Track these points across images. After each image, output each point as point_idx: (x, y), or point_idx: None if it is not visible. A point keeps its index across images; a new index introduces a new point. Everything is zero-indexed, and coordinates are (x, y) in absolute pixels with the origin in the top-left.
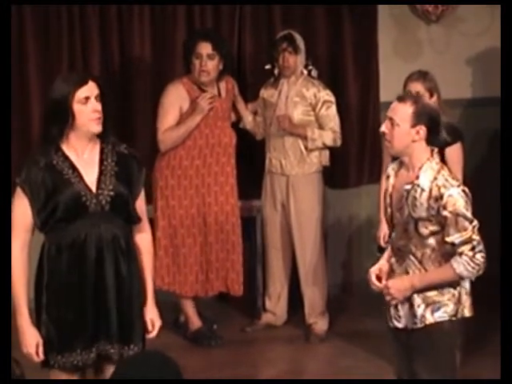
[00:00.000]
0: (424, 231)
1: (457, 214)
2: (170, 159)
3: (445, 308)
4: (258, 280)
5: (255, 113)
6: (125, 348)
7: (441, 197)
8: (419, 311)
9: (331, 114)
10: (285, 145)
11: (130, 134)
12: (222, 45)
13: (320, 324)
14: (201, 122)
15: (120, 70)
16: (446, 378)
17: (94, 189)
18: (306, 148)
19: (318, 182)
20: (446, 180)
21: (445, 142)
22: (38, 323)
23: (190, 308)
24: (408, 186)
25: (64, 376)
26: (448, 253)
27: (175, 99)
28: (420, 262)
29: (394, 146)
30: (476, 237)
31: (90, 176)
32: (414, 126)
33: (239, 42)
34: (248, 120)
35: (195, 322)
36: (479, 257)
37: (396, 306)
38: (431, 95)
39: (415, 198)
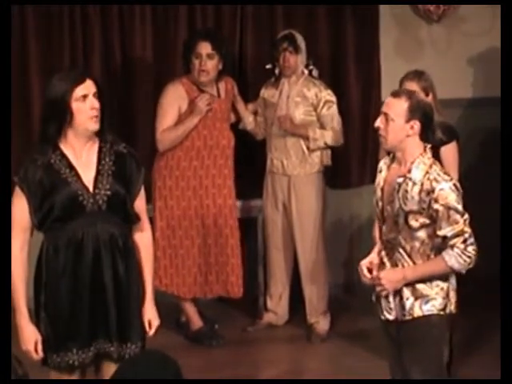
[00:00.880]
0: (414, 224)
1: (448, 208)
2: (167, 159)
3: (433, 302)
4: (260, 280)
5: (255, 113)
6: (123, 346)
7: (432, 190)
8: (408, 304)
9: (333, 114)
10: (286, 145)
11: (130, 133)
12: (221, 45)
13: (321, 324)
14: (199, 123)
15: (121, 70)
16: (433, 372)
17: (90, 188)
18: (307, 148)
19: (320, 181)
20: (438, 174)
21: (440, 141)
22: (37, 321)
23: (190, 308)
24: (400, 179)
25: (63, 375)
26: (437, 247)
27: (174, 99)
28: (409, 256)
29: (388, 141)
30: (468, 229)
31: (88, 175)
32: (408, 121)
33: (240, 41)
34: (248, 120)
35: (196, 322)
36: (471, 249)
37: (387, 298)
38: (426, 95)
39: (406, 191)
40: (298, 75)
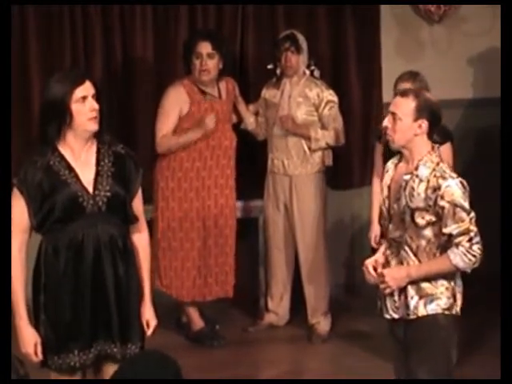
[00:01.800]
0: (420, 221)
1: (454, 205)
2: (170, 160)
3: (438, 301)
4: (261, 280)
5: (257, 114)
6: (123, 347)
7: (439, 187)
8: (412, 303)
9: (334, 114)
10: (288, 145)
11: (131, 133)
12: (221, 44)
13: (322, 324)
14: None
15: (122, 70)
16: (440, 374)
17: (90, 189)
18: (309, 148)
19: (321, 181)
20: (444, 171)
21: (434, 142)
22: (36, 323)
23: (191, 309)
24: (407, 176)
25: (63, 377)
26: (443, 245)
27: (176, 102)
28: (415, 254)
29: (396, 140)
30: (473, 228)
31: (87, 177)
32: (416, 120)
33: (242, 41)
34: (249, 121)
35: (197, 323)
36: (476, 248)
37: (393, 297)
38: None
39: (413, 188)
40: (300, 75)
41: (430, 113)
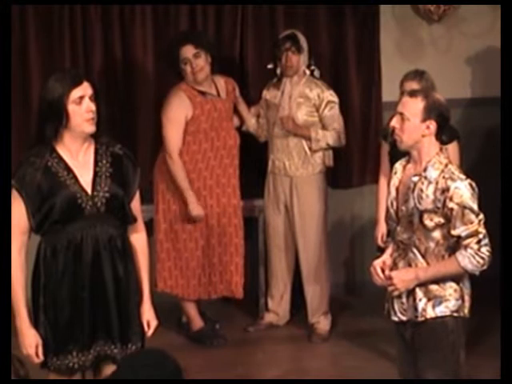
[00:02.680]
0: (429, 223)
1: (463, 207)
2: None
3: (446, 303)
4: (261, 280)
5: (258, 115)
6: (123, 348)
7: (447, 189)
8: (420, 305)
9: (335, 115)
10: (289, 146)
11: (131, 134)
12: (202, 40)
13: (322, 324)
14: (206, 125)
15: (122, 71)
16: (449, 377)
17: (89, 190)
18: (310, 149)
19: (322, 182)
20: (453, 173)
21: (441, 141)
22: (36, 324)
23: (191, 308)
24: (415, 178)
25: (62, 377)
26: (452, 247)
27: (180, 109)
28: (423, 256)
29: (404, 141)
30: (482, 230)
31: (85, 177)
32: (424, 120)
33: (241, 42)
34: (251, 123)
35: (197, 322)
36: (485, 250)
37: (401, 299)
38: None
39: (421, 189)
40: (300, 75)
41: (439, 114)
